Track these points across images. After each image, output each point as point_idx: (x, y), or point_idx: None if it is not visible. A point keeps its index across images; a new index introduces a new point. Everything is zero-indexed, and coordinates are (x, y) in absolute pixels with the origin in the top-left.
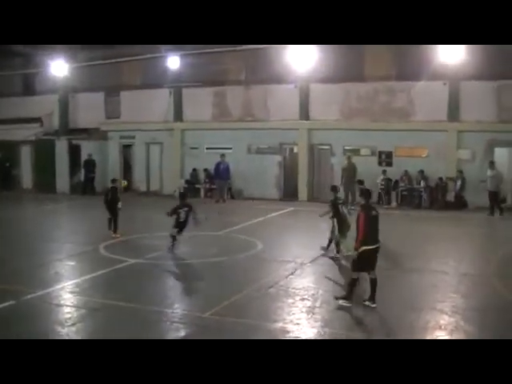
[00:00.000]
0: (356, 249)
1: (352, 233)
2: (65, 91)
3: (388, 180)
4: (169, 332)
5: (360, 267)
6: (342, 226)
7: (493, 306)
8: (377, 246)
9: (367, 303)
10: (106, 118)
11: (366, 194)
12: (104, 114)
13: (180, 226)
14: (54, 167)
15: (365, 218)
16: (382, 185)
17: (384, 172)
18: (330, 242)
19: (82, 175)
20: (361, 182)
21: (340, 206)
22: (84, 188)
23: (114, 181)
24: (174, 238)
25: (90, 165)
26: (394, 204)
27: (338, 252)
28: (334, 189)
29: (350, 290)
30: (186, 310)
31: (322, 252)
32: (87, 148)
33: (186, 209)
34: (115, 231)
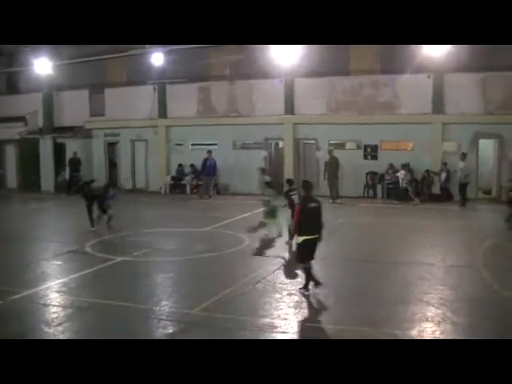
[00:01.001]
0: (291, 237)
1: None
2: (49, 89)
3: (373, 173)
4: (157, 329)
5: (305, 257)
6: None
7: (479, 297)
8: (315, 236)
9: (307, 292)
10: (91, 115)
11: (306, 186)
12: (88, 111)
13: None
14: (39, 166)
15: (300, 210)
16: (389, 180)
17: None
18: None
19: (66, 174)
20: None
21: (293, 197)
22: (69, 187)
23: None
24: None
25: (75, 163)
26: (416, 201)
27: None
28: (290, 181)
29: (307, 279)
30: (173, 306)
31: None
32: (72, 146)
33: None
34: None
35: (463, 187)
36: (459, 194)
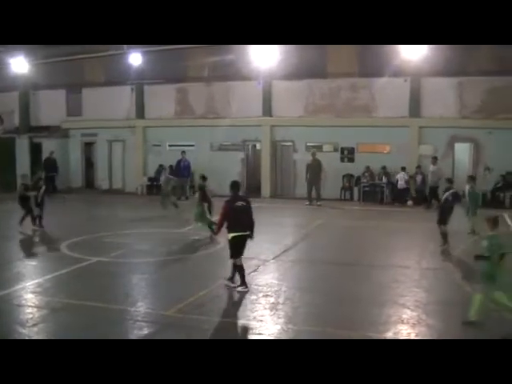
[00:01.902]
0: (216, 233)
1: None
2: (26, 88)
3: (350, 176)
4: (132, 330)
5: (236, 253)
6: (210, 207)
7: (454, 299)
8: (243, 233)
9: (245, 289)
10: (68, 115)
11: (233, 186)
12: (65, 111)
13: None
14: (15, 166)
15: (224, 208)
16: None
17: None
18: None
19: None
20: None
21: (207, 192)
22: (47, 187)
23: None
24: None
25: (51, 163)
26: (410, 203)
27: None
28: (203, 177)
29: (241, 276)
30: (149, 308)
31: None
32: (49, 146)
33: None
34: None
35: (434, 190)
36: (428, 197)
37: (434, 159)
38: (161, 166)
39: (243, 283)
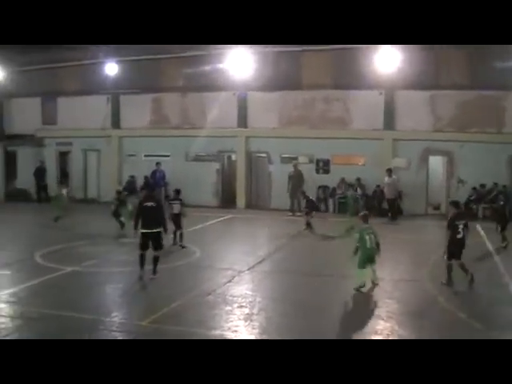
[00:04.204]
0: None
1: None
2: (0, 96)
3: (325, 187)
4: None
5: (140, 246)
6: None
7: (426, 309)
8: (151, 230)
9: (151, 276)
10: (43, 124)
11: (143, 188)
12: (41, 120)
13: None
14: None
15: (138, 207)
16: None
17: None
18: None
19: (16, 182)
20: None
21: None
22: (38, 196)
23: None
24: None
25: (42, 172)
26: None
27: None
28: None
29: (140, 263)
30: (123, 318)
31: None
32: (23, 155)
33: None
34: None
35: (391, 202)
36: (389, 209)
37: (389, 171)
38: (131, 176)
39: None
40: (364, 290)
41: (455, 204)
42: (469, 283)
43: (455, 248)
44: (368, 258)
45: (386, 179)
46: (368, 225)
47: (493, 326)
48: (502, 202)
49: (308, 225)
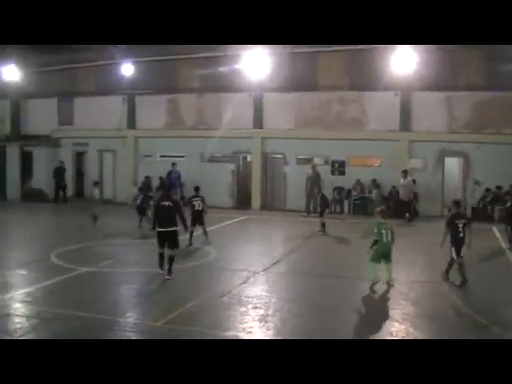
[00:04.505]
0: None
1: None
2: (17, 97)
3: (340, 189)
4: None
5: (159, 244)
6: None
7: (442, 312)
8: (166, 229)
9: (167, 276)
10: (59, 124)
11: (159, 188)
12: (57, 120)
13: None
14: (5, 174)
15: (154, 207)
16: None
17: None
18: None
19: (32, 182)
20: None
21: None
22: (56, 196)
23: None
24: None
25: (62, 172)
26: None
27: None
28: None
29: (160, 262)
30: (138, 318)
31: None
32: (40, 155)
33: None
34: None
35: (407, 204)
36: (404, 211)
37: (405, 173)
38: (147, 177)
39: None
40: (376, 287)
41: (456, 203)
42: (461, 283)
43: (458, 246)
44: (383, 254)
45: (402, 181)
46: (385, 220)
47: (510, 328)
48: (510, 203)
49: (323, 226)
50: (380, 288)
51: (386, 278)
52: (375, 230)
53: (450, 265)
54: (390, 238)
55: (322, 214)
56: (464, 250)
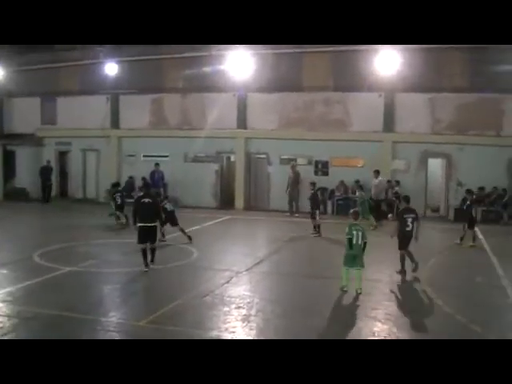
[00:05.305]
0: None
1: None
2: (0, 95)
3: (324, 189)
4: None
5: (139, 239)
6: None
7: (424, 312)
8: (147, 224)
9: (145, 269)
10: (42, 123)
11: (142, 187)
12: (40, 119)
13: None
14: None
15: (135, 203)
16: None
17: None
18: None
19: (15, 182)
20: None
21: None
22: (43, 195)
23: None
24: None
25: (48, 172)
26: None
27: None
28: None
29: (143, 258)
30: (121, 318)
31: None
32: (23, 154)
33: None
34: None
35: (377, 203)
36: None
37: (376, 173)
38: (130, 177)
39: (145, 264)
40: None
41: (406, 199)
42: (412, 270)
43: (404, 239)
44: (353, 256)
45: (373, 180)
46: (357, 222)
47: (491, 328)
48: (466, 204)
49: (316, 228)
50: (364, 289)
51: (355, 285)
52: (346, 230)
53: (402, 259)
54: (360, 241)
55: (312, 216)
56: (413, 243)
